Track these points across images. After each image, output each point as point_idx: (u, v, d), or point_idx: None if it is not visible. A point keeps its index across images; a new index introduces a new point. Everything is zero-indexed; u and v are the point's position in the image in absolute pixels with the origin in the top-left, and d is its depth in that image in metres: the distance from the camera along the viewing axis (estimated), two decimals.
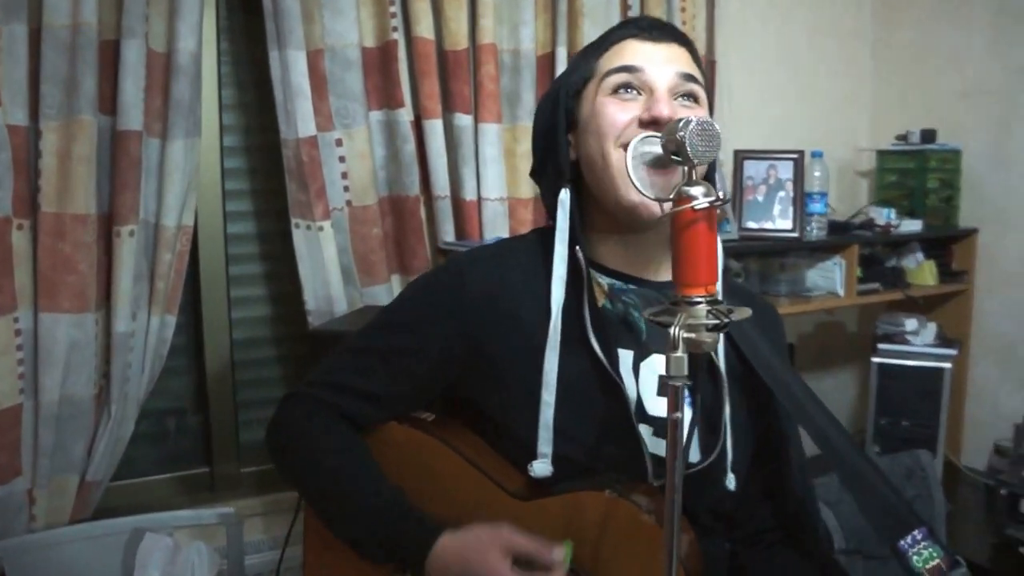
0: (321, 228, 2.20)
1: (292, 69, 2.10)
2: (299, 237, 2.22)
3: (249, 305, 2.47)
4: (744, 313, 0.98)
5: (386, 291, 2.35)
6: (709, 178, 1.30)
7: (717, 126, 0.98)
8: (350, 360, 1.34)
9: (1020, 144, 2.93)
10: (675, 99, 1.21)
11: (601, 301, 1.27)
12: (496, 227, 2.45)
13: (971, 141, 3.03)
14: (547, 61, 2.48)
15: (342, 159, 2.24)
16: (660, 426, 1.22)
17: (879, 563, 2.06)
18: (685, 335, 0.93)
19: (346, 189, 2.27)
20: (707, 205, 0.95)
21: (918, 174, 2.96)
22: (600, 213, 1.28)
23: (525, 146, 2.46)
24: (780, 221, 2.61)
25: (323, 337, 1.89)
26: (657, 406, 1.23)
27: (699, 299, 0.95)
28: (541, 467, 1.20)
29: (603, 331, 1.22)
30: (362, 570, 1.28)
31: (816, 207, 2.68)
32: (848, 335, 3.36)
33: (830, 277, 2.72)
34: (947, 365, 2.69)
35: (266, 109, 2.31)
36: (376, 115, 2.30)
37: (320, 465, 1.29)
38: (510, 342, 1.24)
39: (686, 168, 0.98)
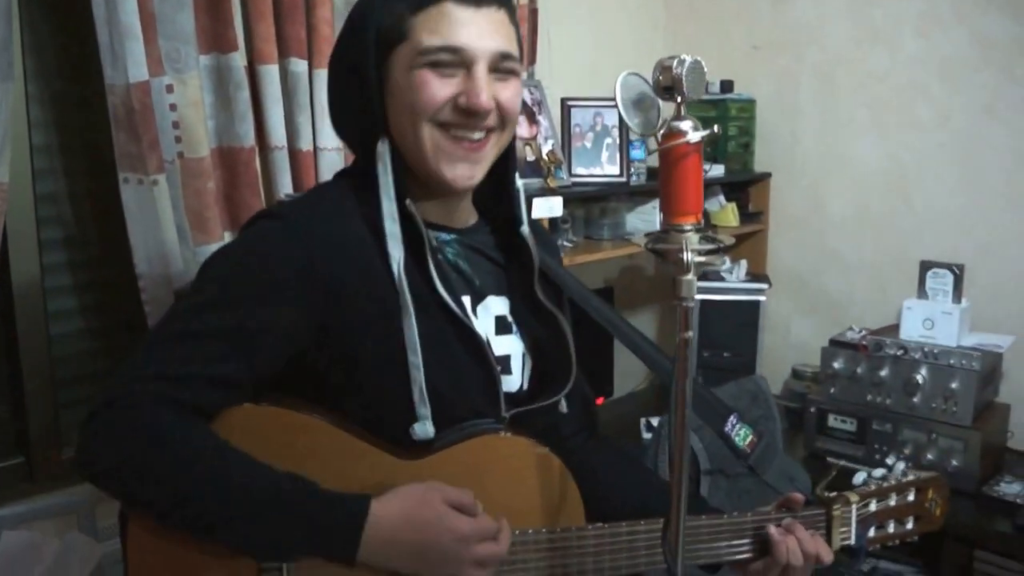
0: (155, 182, 2.02)
1: (120, 6, 1.89)
2: (129, 193, 2.02)
3: (63, 272, 2.24)
4: (729, 239, 1.06)
5: None
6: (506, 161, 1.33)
7: (705, 65, 1.00)
8: (186, 346, 1.12)
9: (806, 95, 3.18)
10: (491, 73, 1.21)
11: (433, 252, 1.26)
12: None
13: (763, 91, 3.24)
14: None
15: (173, 107, 2.06)
16: (504, 365, 1.31)
17: (733, 480, 2.19)
18: (698, 259, 0.97)
19: (178, 140, 2.09)
20: (700, 139, 0.98)
21: (719, 122, 3.11)
22: (411, 172, 1.25)
23: None
24: (608, 167, 2.68)
25: None
26: (498, 346, 1.30)
27: (690, 227, 0.99)
28: (423, 429, 1.18)
29: (446, 280, 1.23)
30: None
31: (636, 154, 2.77)
32: (651, 277, 3.51)
33: (649, 220, 2.84)
34: (762, 298, 2.88)
35: (69, 52, 2.10)
36: (205, 59, 2.13)
37: (191, 468, 1.08)
38: (364, 307, 1.17)
39: (676, 103, 1.00)
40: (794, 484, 1.33)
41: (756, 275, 3.12)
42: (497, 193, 1.35)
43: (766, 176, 3.27)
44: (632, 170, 2.79)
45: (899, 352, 2.54)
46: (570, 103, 2.69)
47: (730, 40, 3.32)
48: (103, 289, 2.30)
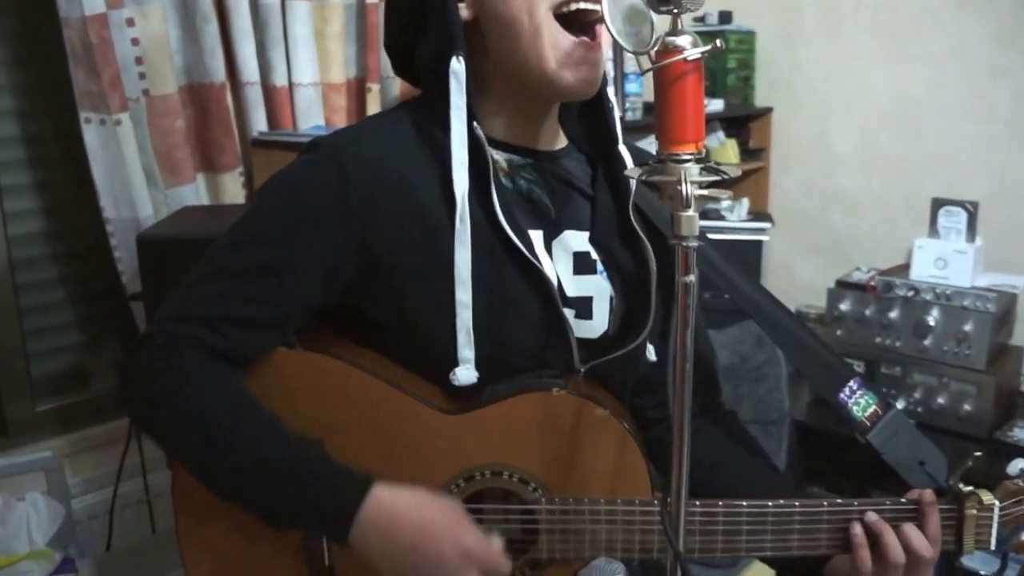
0: (119, 122, 1.90)
1: None
2: (91, 134, 1.92)
3: (27, 219, 2.13)
4: (734, 171, 0.91)
5: (192, 192, 2.09)
6: None
7: None
8: (219, 285, 1.06)
9: (809, 25, 3.02)
10: None
11: (501, 180, 1.12)
12: (311, 116, 2.24)
13: (763, 22, 3.09)
14: None
15: (135, 41, 1.94)
16: (582, 308, 1.14)
17: (761, 427, 2.11)
18: (699, 192, 0.83)
19: (142, 76, 1.97)
20: (699, 56, 0.84)
21: (718, 55, 2.98)
22: (496, 82, 1.11)
23: (335, 26, 2.26)
24: None
25: (153, 248, 1.61)
26: (575, 287, 1.14)
27: (688, 156, 0.86)
28: (465, 374, 1.06)
29: (511, 213, 1.08)
30: (253, 541, 1.09)
31: (632, 88, 2.64)
32: None
33: None
34: (765, 238, 2.75)
35: None
36: None
37: (205, 422, 1.04)
38: (410, 238, 1.06)
39: (673, 16, 0.85)
40: (925, 469, 1.11)
41: (758, 214, 3.00)
42: (586, 114, 1.20)
43: (767, 111, 3.13)
44: (627, 105, 2.66)
45: (910, 293, 2.42)
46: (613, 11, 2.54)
47: None
48: (71, 236, 2.19)
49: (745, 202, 2.95)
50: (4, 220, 2.05)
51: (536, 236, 1.11)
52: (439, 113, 1.06)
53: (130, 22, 1.92)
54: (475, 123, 1.06)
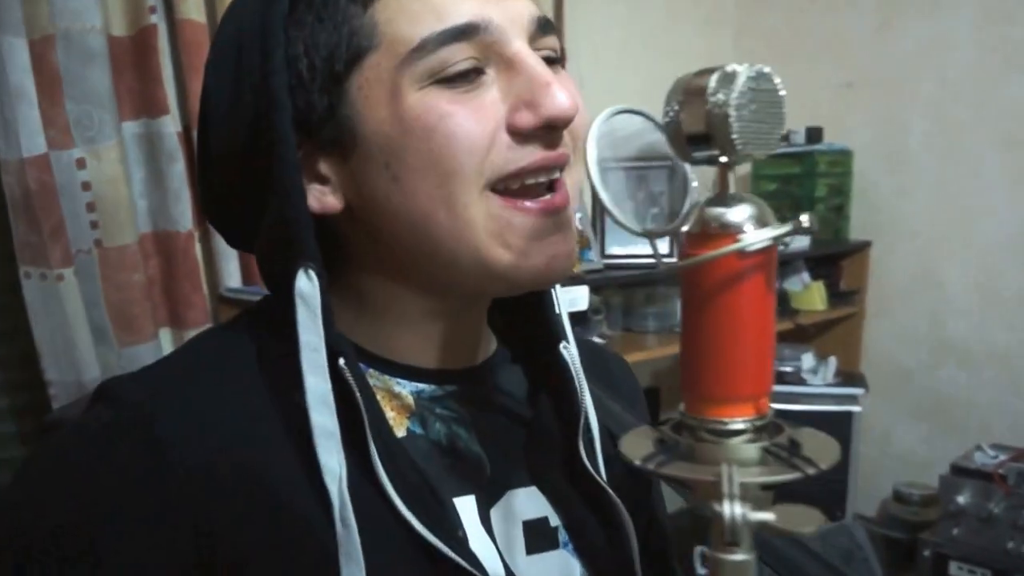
0: (60, 277, 1.75)
1: (9, 63, 1.64)
2: (32, 289, 1.77)
3: None
4: (833, 455, 0.51)
5: (152, 350, 1.91)
6: None
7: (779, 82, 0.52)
8: None
9: (917, 141, 2.71)
10: None
11: (402, 426, 0.78)
12: None
13: (861, 139, 2.80)
14: None
15: (86, 186, 1.79)
16: None
17: None
18: (753, 516, 0.46)
19: (94, 225, 1.82)
20: (769, 242, 0.49)
21: (805, 180, 2.69)
22: (395, 282, 0.78)
23: None
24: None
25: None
26: (531, 568, 0.80)
27: (743, 426, 0.50)
28: None
29: (413, 482, 0.73)
30: None
31: None
32: None
33: None
34: (856, 408, 2.39)
35: None
36: (131, 126, 1.87)
37: None
38: (271, 552, 0.70)
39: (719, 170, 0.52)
40: None
41: (849, 374, 2.64)
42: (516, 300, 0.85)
43: (864, 245, 2.80)
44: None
45: None
46: (605, 165, 2.31)
47: (818, 78, 2.87)
48: (13, 392, 2.02)
49: (832, 362, 2.59)
50: None
51: (465, 505, 0.78)
52: (291, 342, 0.69)
53: (80, 163, 1.77)
54: (342, 361, 0.69)
